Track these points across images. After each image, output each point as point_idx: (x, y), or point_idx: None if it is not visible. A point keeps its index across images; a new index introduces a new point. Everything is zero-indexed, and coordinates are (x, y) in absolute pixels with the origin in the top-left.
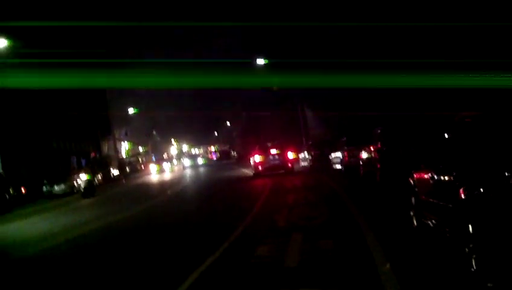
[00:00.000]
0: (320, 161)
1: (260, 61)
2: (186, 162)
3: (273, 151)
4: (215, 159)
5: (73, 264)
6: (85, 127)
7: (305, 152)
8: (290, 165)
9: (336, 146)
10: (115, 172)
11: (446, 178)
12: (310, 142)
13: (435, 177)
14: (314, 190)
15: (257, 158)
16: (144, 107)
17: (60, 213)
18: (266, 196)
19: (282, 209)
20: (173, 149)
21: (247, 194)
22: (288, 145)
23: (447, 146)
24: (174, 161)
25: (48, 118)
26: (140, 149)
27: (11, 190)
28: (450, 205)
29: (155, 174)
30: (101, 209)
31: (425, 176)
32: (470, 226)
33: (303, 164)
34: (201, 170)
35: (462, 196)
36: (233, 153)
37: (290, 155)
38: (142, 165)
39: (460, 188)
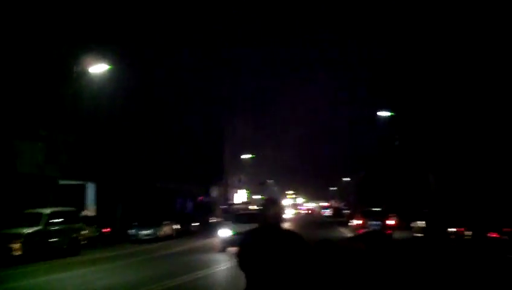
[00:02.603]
0: (435, 233)
1: (384, 114)
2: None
3: (375, 216)
4: (326, 214)
5: None
6: (198, 170)
7: (418, 221)
8: (389, 232)
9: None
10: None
11: None
12: (426, 210)
13: None
14: None
15: (357, 221)
16: (260, 154)
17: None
18: None
19: None
20: (287, 200)
21: None
22: (392, 212)
23: None
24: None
25: (158, 157)
26: (256, 197)
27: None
28: None
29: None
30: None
31: None
32: None
33: (417, 234)
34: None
35: None
36: (346, 211)
37: (391, 223)
38: None
39: None
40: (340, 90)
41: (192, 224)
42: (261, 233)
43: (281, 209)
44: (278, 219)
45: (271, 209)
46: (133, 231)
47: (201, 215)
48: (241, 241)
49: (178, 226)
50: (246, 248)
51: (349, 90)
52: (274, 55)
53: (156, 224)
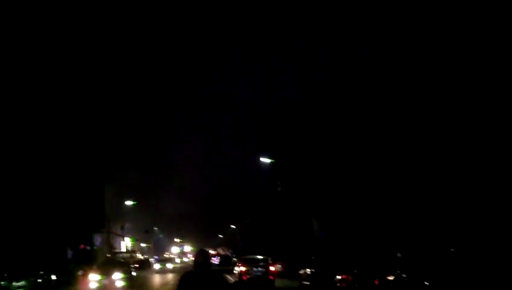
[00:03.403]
0: (322, 281)
1: (265, 160)
2: (156, 265)
3: (258, 263)
4: (216, 263)
5: None
6: (79, 217)
7: (307, 269)
8: (271, 278)
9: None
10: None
11: None
12: (313, 258)
13: None
14: None
15: (242, 268)
16: (143, 200)
17: None
18: None
19: None
20: (175, 248)
21: None
22: (280, 259)
23: None
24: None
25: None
26: (143, 245)
27: None
28: None
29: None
30: None
31: None
32: None
33: (304, 282)
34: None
35: None
36: (234, 259)
37: (273, 269)
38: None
39: None
40: (227, 135)
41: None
42: (195, 273)
43: (208, 256)
44: (207, 263)
45: (200, 256)
46: (4, 282)
47: (82, 264)
48: (180, 279)
49: (54, 277)
50: (184, 284)
51: (234, 135)
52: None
53: (31, 275)
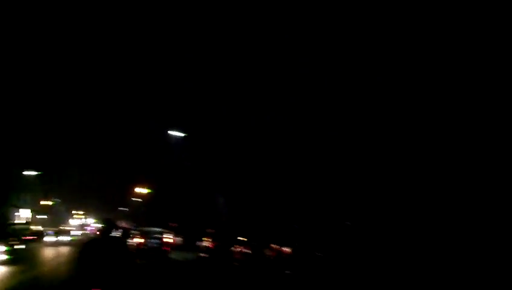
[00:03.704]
0: (221, 253)
1: (175, 133)
2: (48, 238)
3: (154, 235)
4: (118, 235)
5: None
6: None
7: (208, 241)
8: (166, 249)
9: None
10: None
11: None
12: (213, 231)
13: None
14: None
15: (137, 240)
16: (46, 171)
17: None
18: None
19: None
20: (75, 220)
21: None
22: (182, 232)
23: None
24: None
25: None
26: (41, 217)
27: None
28: None
29: None
30: None
31: None
32: None
33: (202, 254)
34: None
35: None
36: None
37: (167, 241)
38: None
39: None
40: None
41: None
42: (99, 240)
43: (112, 224)
44: (110, 229)
45: (105, 223)
46: None
47: None
48: (83, 245)
49: None
50: (86, 250)
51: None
52: None
53: None
